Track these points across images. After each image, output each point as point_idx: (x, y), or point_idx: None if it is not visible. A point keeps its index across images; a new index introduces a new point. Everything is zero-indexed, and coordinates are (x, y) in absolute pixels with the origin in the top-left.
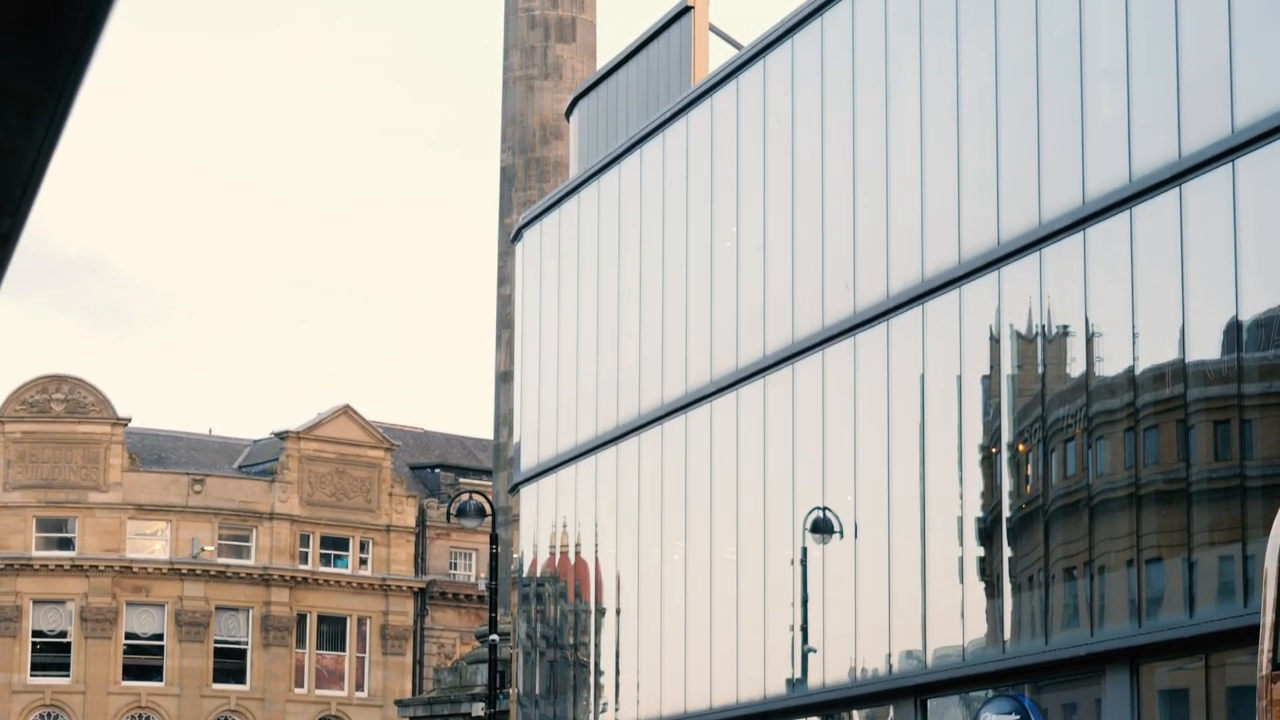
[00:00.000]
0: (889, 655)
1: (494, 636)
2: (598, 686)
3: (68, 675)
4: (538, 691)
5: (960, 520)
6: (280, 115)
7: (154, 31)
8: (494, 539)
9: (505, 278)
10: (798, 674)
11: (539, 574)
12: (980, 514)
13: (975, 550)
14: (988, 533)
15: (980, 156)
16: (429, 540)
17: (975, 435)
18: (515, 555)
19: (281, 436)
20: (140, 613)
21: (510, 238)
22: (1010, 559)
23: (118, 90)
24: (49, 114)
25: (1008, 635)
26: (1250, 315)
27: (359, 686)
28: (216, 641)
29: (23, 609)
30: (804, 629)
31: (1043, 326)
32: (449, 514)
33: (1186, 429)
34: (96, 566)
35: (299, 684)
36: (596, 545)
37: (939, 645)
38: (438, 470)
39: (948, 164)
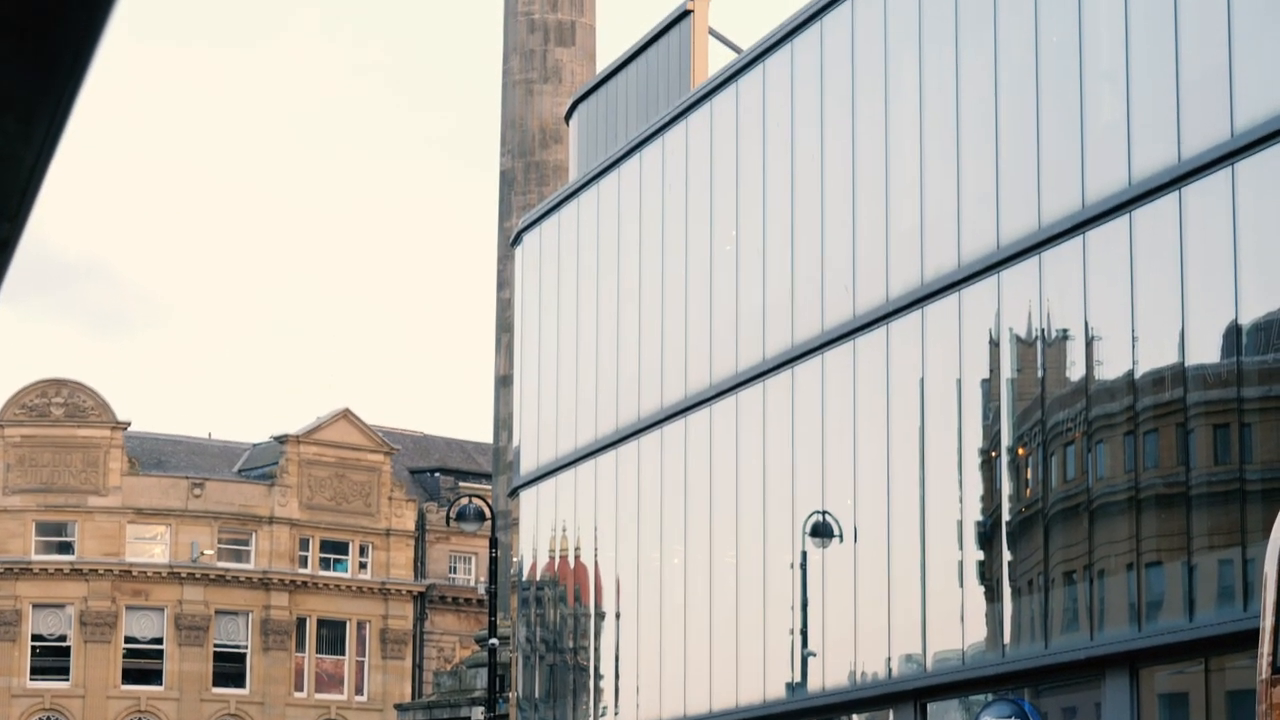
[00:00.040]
0: (889, 659)
1: (493, 640)
2: (597, 690)
3: (67, 679)
4: (537, 695)
5: (960, 524)
6: (279, 120)
7: (154, 39)
8: (493, 543)
9: (505, 281)
10: (797, 678)
11: (538, 578)
12: (980, 518)
13: (975, 554)
14: (987, 536)
15: (980, 160)
16: (428, 544)
17: (975, 439)
18: (515, 559)
19: (281, 440)
20: (140, 616)
21: (510, 241)
22: (1010, 563)
23: (118, 96)
24: (48, 119)
25: (1007, 639)
26: (1250, 319)
27: (359, 690)
28: (216, 645)
29: (22, 613)
30: (803, 633)
31: (1042, 330)
32: (448, 518)
33: (1186, 433)
34: (96, 570)
35: (299, 688)
36: (596, 549)
37: (939, 649)
38: (437, 474)
39: (947, 167)
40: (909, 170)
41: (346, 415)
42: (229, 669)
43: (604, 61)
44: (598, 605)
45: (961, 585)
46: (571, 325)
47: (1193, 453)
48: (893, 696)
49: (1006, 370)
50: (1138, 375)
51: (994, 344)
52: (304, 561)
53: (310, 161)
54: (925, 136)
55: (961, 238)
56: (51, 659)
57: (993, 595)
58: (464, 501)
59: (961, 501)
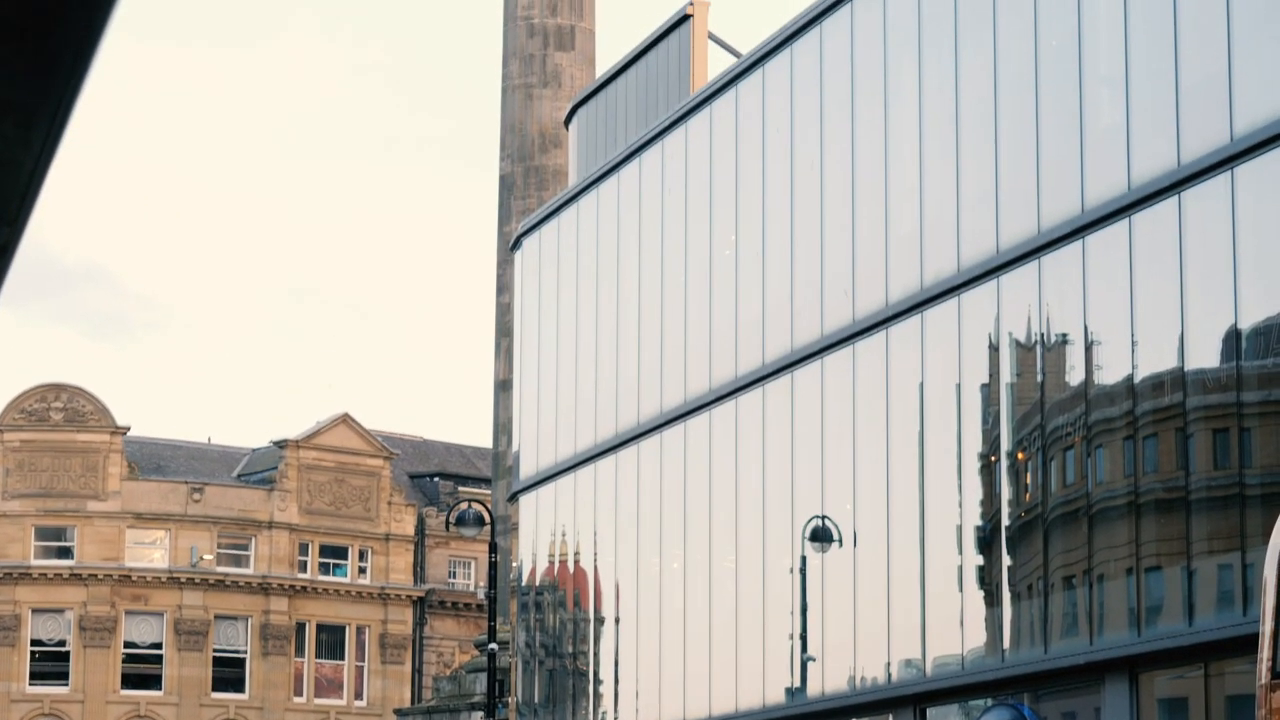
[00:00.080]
0: (888, 664)
1: (493, 645)
2: (597, 695)
3: (66, 684)
4: (537, 700)
5: (959, 529)
6: (279, 124)
7: (153, 41)
8: (493, 547)
9: (504, 286)
10: (797, 683)
11: (538, 582)
12: (979, 522)
13: (974, 559)
14: (987, 541)
15: (979, 164)
16: (428, 549)
17: (974, 443)
18: (514, 564)
19: (280, 445)
20: (139, 621)
21: (509, 246)
22: (1009, 567)
23: (117, 99)
24: (46, 124)
25: (1007, 644)
26: (1249, 323)
27: (358, 695)
28: (215, 650)
29: (21, 618)
30: (803, 638)
31: (1042, 335)
32: (448, 522)
33: (1185, 437)
34: (95, 575)
35: (298, 693)
36: (595, 553)
37: (938, 654)
38: (437, 479)
39: (947, 172)
40: (908, 175)
41: (346, 420)
42: (228, 674)
43: (603, 66)
44: (597, 610)
45: (961, 590)
46: (571, 330)
47: (1192, 457)
48: (892, 701)
49: (1006, 375)
50: (1137, 380)
51: (993, 348)
52: (303, 566)
53: (309, 165)
54: (925, 141)
55: (961, 242)
56: (51, 664)
57: (992, 600)
58: (463, 506)
59: (961, 506)
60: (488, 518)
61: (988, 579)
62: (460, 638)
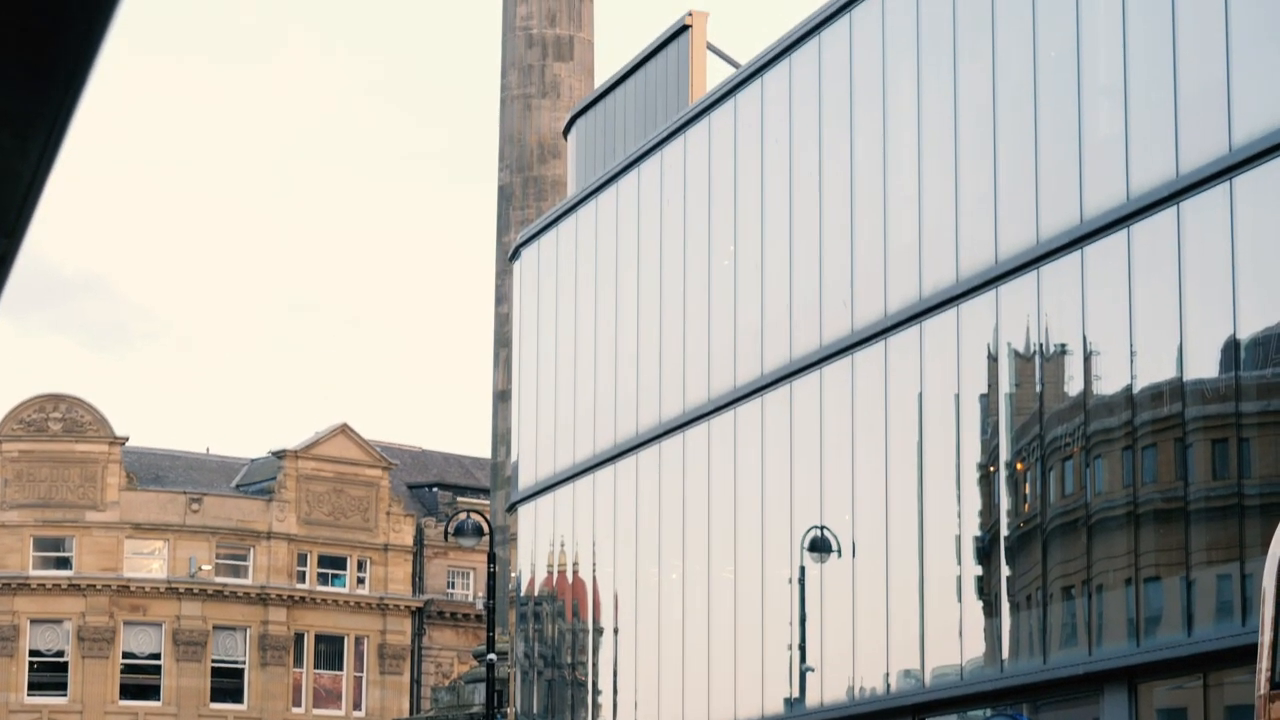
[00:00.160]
0: (887, 674)
1: (492, 656)
2: (595, 705)
3: (65, 695)
4: (535, 711)
5: (958, 539)
6: (278, 135)
7: (153, 54)
8: (491, 558)
9: (503, 296)
10: (795, 693)
11: (537, 593)
12: (978, 533)
13: (973, 569)
14: (986, 551)
15: (978, 175)
16: (426, 559)
17: (973, 454)
18: (513, 574)
19: (279, 455)
20: (138, 632)
21: (508, 256)
22: (1008, 578)
23: (117, 111)
24: (45, 135)
25: (1006, 654)
26: (1248, 333)
27: (357, 706)
28: (214, 661)
29: (20, 628)
30: (802, 648)
31: (1040, 345)
32: (447, 533)
33: (1184, 447)
34: (94, 586)
35: (296, 703)
36: (594, 564)
37: (937, 664)
38: (435, 489)
39: (945, 182)
40: (907, 185)
41: (345, 430)
42: (227, 684)
43: (602, 76)
44: (596, 620)
45: (960, 600)
46: (570, 340)
47: (1191, 468)
48: (891, 712)
49: (1005, 385)
50: (1136, 390)
51: (992, 359)
52: (302, 577)
53: (308, 176)
54: (923, 151)
55: (960, 252)
56: (49, 674)
57: (991, 610)
58: (462, 516)
59: (960, 516)
60: (486, 528)
61: (986, 589)
62: (459, 648)
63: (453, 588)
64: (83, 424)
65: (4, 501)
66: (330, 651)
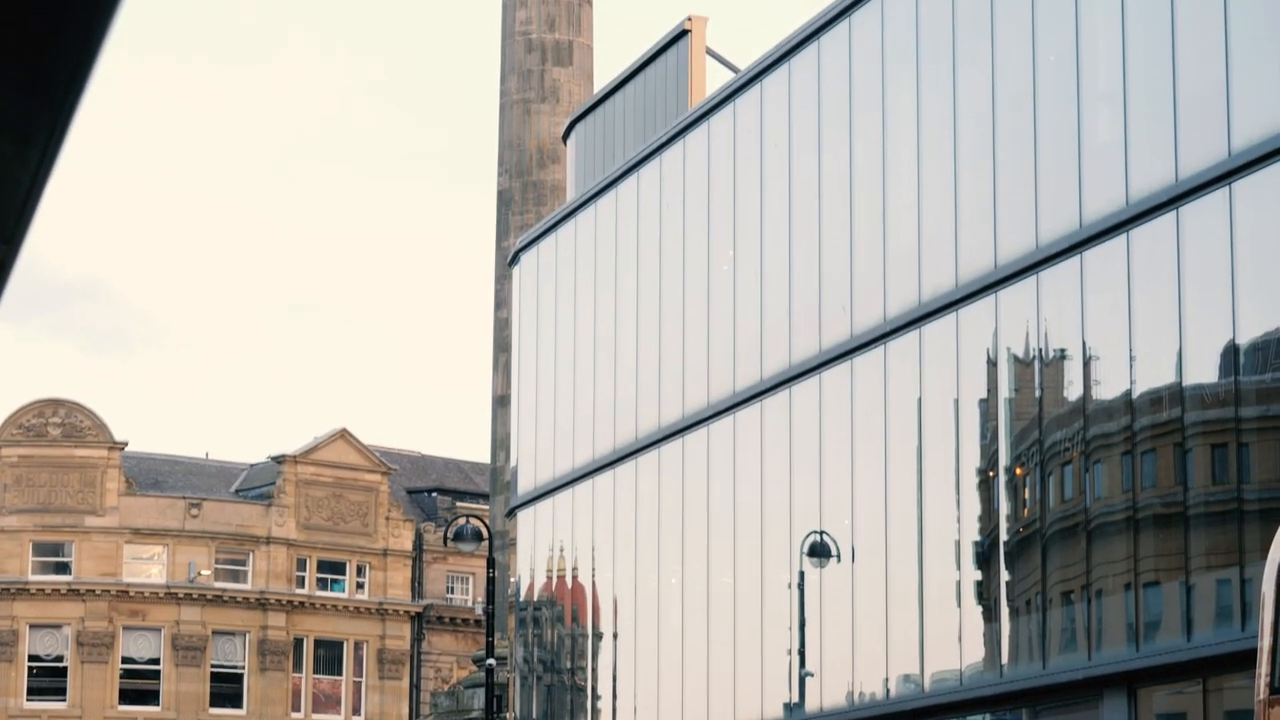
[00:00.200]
0: (886, 679)
1: (491, 661)
2: (595, 711)
3: (64, 700)
4: (535, 716)
5: (958, 544)
6: (277, 139)
7: (152, 57)
8: (491, 563)
9: (502, 301)
10: (795, 698)
11: (536, 598)
12: (977, 538)
13: (973, 574)
14: (985, 556)
15: (977, 180)
16: (426, 564)
17: (972, 459)
18: (512, 579)
19: (278, 460)
20: (137, 637)
21: (507, 261)
22: (1008, 583)
23: (116, 114)
24: (44, 140)
25: (1005, 659)
26: (1247, 338)
27: (356, 711)
28: (213, 666)
29: (19, 633)
30: (801, 653)
31: (1040, 350)
32: (446, 538)
33: (1184, 452)
34: (93, 591)
35: (296, 708)
36: (594, 569)
37: (936, 669)
38: (435, 494)
39: (945, 187)
40: (906, 190)
41: (344, 435)
42: (226, 689)
43: (601, 81)
44: (595, 625)
45: (959, 605)
46: (569, 345)
47: (1190, 472)
48: (890, 717)
49: (1004, 390)
50: (1135, 395)
51: (991, 364)
52: (301, 582)
53: (308, 181)
54: (923, 156)
55: (959, 257)
56: (48, 679)
57: (990, 615)
58: (461, 521)
59: (959, 521)
60: (486, 533)
61: (986, 594)
62: (458, 653)
63: (452, 593)
64: (82, 429)
65: (3, 506)
66: (329, 656)
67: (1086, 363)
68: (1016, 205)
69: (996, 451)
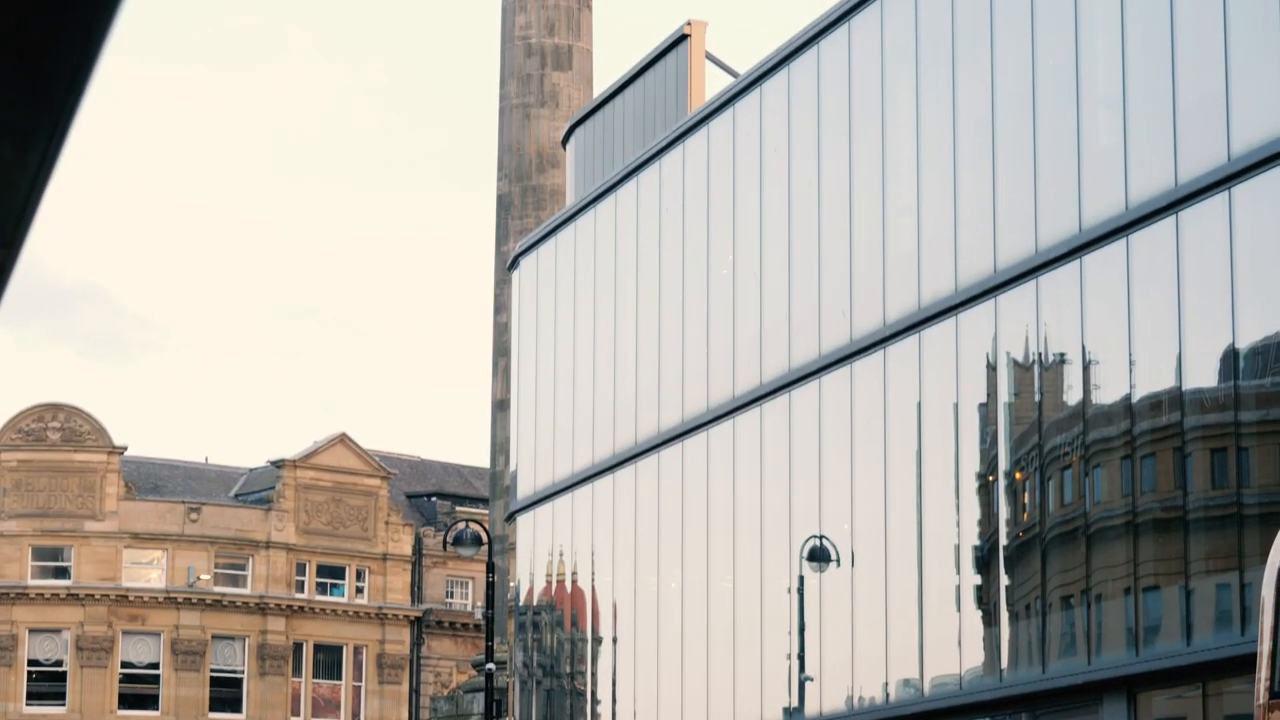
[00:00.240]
0: (886, 684)
1: (490, 665)
2: (594, 715)
3: (63, 705)
4: None
5: (957, 548)
6: (277, 144)
7: (152, 61)
8: (490, 567)
9: (501, 306)
10: (794, 703)
11: (535, 602)
12: (977, 542)
13: (972, 579)
14: (985, 561)
15: (977, 184)
16: (425, 569)
17: (972, 463)
18: (512, 584)
19: (278, 465)
20: (136, 642)
21: (507, 266)
22: (1007, 587)
23: (115, 120)
24: (43, 146)
25: (1005, 664)
26: (1247, 343)
27: (355, 715)
28: (213, 670)
29: (18, 638)
30: (801, 657)
31: (1039, 354)
32: (445, 542)
33: (1183, 457)
34: (92, 595)
35: (295, 713)
36: (593, 573)
37: (936, 674)
38: (434, 499)
39: (944, 192)
40: (906, 194)
41: (343, 440)
42: (226, 694)
43: (601, 86)
44: (595, 630)
45: (959, 610)
46: (568, 349)
47: (1190, 477)
48: None
49: (1004, 394)
50: (1135, 399)
51: (991, 368)
52: (300, 586)
53: (307, 185)
54: (922, 161)
55: (959, 262)
56: (48, 684)
57: (990, 620)
58: (461, 526)
59: (959, 526)
60: (485, 537)
61: (985, 599)
62: (458, 658)
63: (451, 597)
64: (81, 433)
65: (2, 511)
66: (329, 661)
67: (1086, 367)
68: (1016, 210)
69: (996, 456)
